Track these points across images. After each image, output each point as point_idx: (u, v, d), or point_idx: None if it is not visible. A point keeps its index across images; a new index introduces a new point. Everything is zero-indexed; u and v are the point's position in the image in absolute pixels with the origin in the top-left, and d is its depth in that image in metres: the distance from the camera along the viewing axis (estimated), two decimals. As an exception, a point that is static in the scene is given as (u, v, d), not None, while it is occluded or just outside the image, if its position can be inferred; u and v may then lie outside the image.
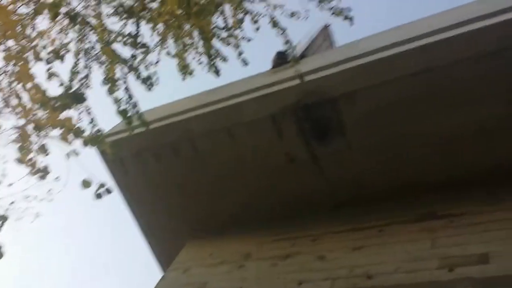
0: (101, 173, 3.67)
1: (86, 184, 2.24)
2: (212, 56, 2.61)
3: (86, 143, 2.13)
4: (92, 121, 3.17)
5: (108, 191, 2.26)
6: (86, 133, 2.33)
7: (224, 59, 3.08)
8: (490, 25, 2.49)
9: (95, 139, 2.13)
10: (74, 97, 2.13)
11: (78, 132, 2.23)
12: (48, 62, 2.34)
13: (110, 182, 3.73)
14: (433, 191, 2.79)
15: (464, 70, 2.57)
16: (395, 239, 2.70)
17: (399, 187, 2.93)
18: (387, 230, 2.80)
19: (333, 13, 2.73)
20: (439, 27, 2.65)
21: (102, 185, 2.25)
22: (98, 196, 2.27)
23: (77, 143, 2.30)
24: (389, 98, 2.75)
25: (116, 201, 3.78)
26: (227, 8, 2.97)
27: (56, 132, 2.26)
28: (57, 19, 2.79)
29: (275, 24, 2.66)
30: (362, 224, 2.96)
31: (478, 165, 2.75)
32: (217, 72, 2.62)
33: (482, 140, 2.69)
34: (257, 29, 2.94)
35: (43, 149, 2.39)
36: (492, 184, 2.67)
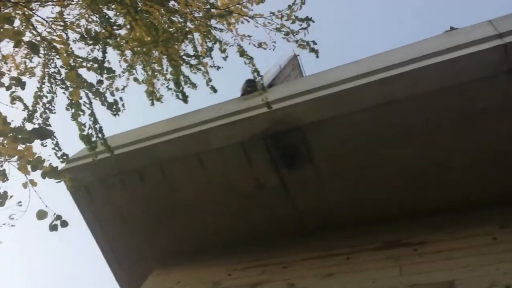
0: (66, 197, 3.58)
1: (41, 215, 2.16)
2: (180, 83, 2.60)
3: (45, 175, 2.06)
4: (56, 145, 3.11)
5: (64, 224, 2.18)
6: (47, 163, 2.24)
7: (193, 85, 3.09)
8: (446, 60, 2.60)
9: (54, 172, 2.05)
10: (39, 133, 2.06)
11: (38, 164, 2.15)
12: (8, 89, 2.28)
13: (74, 206, 3.63)
14: (398, 219, 2.85)
15: (421, 103, 2.67)
16: (363, 266, 2.72)
17: (365, 215, 2.98)
18: (354, 258, 2.82)
19: (299, 46, 2.79)
20: (398, 61, 2.76)
21: (58, 217, 2.17)
22: (53, 228, 2.19)
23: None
24: (354, 128, 2.82)
25: (81, 227, 3.68)
26: (196, 36, 2.99)
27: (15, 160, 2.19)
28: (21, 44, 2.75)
29: (242, 53, 2.69)
30: (331, 250, 2.97)
31: (438, 194, 2.84)
32: (185, 98, 2.61)
33: (441, 171, 2.79)
34: (226, 57, 2.96)
35: (2, 175, 2.31)
36: (452, 212, 2.76)
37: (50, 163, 2.18)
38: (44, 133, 2.28)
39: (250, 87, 3.27)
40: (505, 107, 2.57)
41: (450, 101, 2.63)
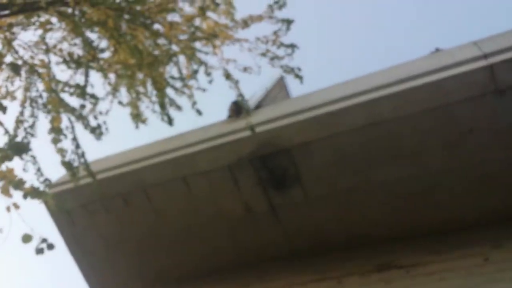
0: (48, 223, 3.47)
1: (26, 238, 2.11)
2: (165, 105, 2.57)
3: (26, 195, 2.01)
4: (38, 170, 3.03)
5: (50, 247, 2.13)
6: (28, 184, 2.19)
7: (179, 108, 3.05)
8: (432, 81, 2.62)
9: (36, 192, 2.00)
10: (17, 148, 2.01)
11: (19, 184, 2.11)
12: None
13: (56, 233, 3.52)
14: (388, 241, 2.82)
15: (408, 124, 2.68)
16: (355, 291, 2.67)
17: (355, 237, 2.94)
18: (345, 282, 2.77)
19: (284, 71, 2.79)
20: (385, 82, 2.77)
21: (44, 240, 2.13)
22: (39, 251, 2.14)
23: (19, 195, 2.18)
24: (342, 149, 2.80)
25: (63, 254, 3.56)
26: (182, 58, 2.97)
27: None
28: (2, 67, 2.70)
29: (228, 76, 2.68)
30: (321, 274, 2.92)
31: (428, 215, 2.82)
32: (170, 121, 2.58)
33: (429, 192, 2.78)
34: (211, 81, 2.94)
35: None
36: (442, 233, 2.74)
37: (32, 184, 2.15)
38: (21, 148, 2.24)
39: (238, 108, 3.24)
40: (493, 127, 2.58)
41: (437, 121, 2.63)
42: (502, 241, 2.55)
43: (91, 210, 3.34)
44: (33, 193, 2.15)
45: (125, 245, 3.43)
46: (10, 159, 2.15)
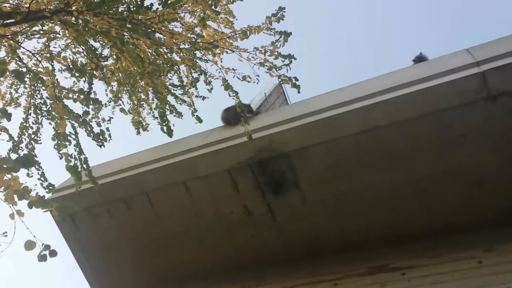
0: (52, 228, 3.53)
1: (29, 245, 2.14)
2: (165, 117, 2.63)
3: (31, 205, 2.05)
4: (42, 175, 3.10)
5: (53, 253, 2.16)
6: (34, 193, 2.23)
7: (179, 114, 3.11)
8: (425, 88, 2.68)
9: (41, 202, 2.05)
10: (23, 161, 2.06)
11: (25, 193, 2.15)
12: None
13: (59, 236, 3.58)
14: (384, 244, 2.86)
15: (402, 130, 2.73)
16: (351, 293, 2.72)
17: (351, 240, 2.99)
18: (342, 284, 2.82)
19: (281, 81, 2.85)
20: (379, 89, 2.83)
21: (47, 247, 2.16)
22: (43, 258, 2.17)
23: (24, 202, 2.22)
24: (338, 154, 2.86)
25: (66, 258, 3.62)
26: (182, 68, 3.04)
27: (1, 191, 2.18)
28: (6, 74, 2.76)
29: (227, 87, 2.74)
30: (318, 277, 2.96)
31: (423, 218, 2.88)
32: (170, 132, 2.63)
33: (424, 196, 2.83)
34: (211, 89, 3.01)
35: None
36: (437, 236, 2.79)
37: (37, 193, 2.18)
38: (28, 161, 2.27)
39: (233, 120, 3.30)
40: (485, 133, 2.63)
41: (430, 127, 2.68)
42: (495, 245, 2.59)
43: (94, 213, 3.40)
44: (38, 202, 2.18)
45: (127, 247, 3.49)
46: (16, 171, 2.18)
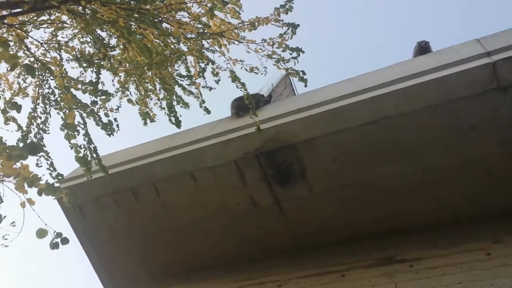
0: (61, 217, 3.56)
1: (41, 233, 2.16)
2: (173, 107, 2.62)
3: (41, 192, 2.06)
4: (51, 165, 3.11)
5: (65, 241, 2.18)
6: (43, 181, 2.25)
7: (186, 105, 3.11)
8: (435, 78, 2.65)
9: (51, 189, 2.06)
10: (30, 148, 2.07)
11: (34, 181, 2.16)
12: (3, 112, 2.29)
13: (68, 227, 3.61)
14: (391, 235, 2.85)
15: (411, 120, 2.71)
16: (358, 284, 2.72)
17: (358, 231, 2.99)
18: (349, 275, 2.82)
19: (289, 74, 2.83)
20: (388, 79, 2.80)
21: (58, 234, 2.17)
22: (55, 245, 2.18)
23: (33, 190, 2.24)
24: (346, 145, 2.85)
25: (74, 247, 3.65)
26: (190, 58, 3.02)
27: (11, 179, 2.19)
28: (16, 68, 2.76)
29: (235, 78, 2.72)
30: (325, 268, 2.97)
31: (431, 210, 2.86)
32: (178, 123, 2.62)
33: (432, 187, 2.81)
34: (218, 81, 2.99)
35: (-2, 196, 2.31)
36: (445, 228, 2.78)
37: (47, 180, 2.19)
38: (35, 148, 2.28)
39: (242, 111, 3.30)
40: (495, 123, 2.61)
41: (439, 118, 2.66)
42: (504, 237, 2.58)
43: (102, 203, 3.42)
44: (48, 189, 2.19)
45: (134, 237, 3.51)
46: (24, 158, 2.19)
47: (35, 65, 2.62)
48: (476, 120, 2.62)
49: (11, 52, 2.11)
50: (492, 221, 2.67)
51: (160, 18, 2.62)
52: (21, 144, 3.03)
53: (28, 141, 3.02)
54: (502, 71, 2.53)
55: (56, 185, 2.25)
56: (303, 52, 2.84)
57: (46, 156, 3.02)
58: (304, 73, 2.79)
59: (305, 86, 2.77)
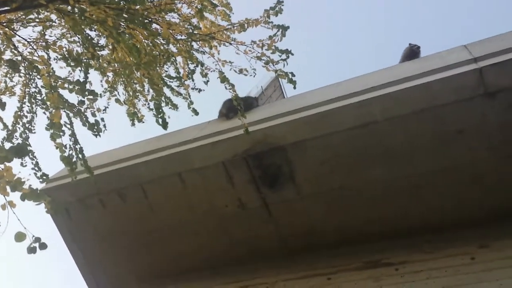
0: (45, 216, 3.51)
1: (19, 237, 2.12)
2: (161, 109, 2.61)
3: (24, 197, 2.02)
4: (36, 165, 3.07)
5: (43, 246, 2.14)
6: (27, 185, 2.19)
7: (175, 106, 3.10)
8: (422, 84, 2.67)
9: (34, 194, 2.02)
10: (16, 150, 2.03)
11: (18, 185, 2.11)
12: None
13: (53, 227, 3.56)
14: (378, 239, 2.87)
15: (398, 125, 2.73)
16: (344, 287, 2.73)
17: (345, 234, 2.99)
18: (335, 278, 2.83)
19: (278, 75, 2.83)
20: (376, 84, 2.82)
21: (37, 239, 2.13)
22: (32, 250, 2.14)
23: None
24: (334, 148, 2.85)
25: (59, 249, 3.61)
26: (179, 59, 3.02)
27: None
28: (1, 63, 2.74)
29: (224, 79, 2.72)
30: (312, 271, 2.97)
31: (417, 214, 2.88)
32: (165, 125, 2.61)
33: (419, 192, 2.83)
34: (207, 82, 2.99)
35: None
36: (431, 232, 2.80)
37: (30, 185, 2.15)
38: (21, 150, 2.24)
39: (232, 112, 3.30)
40: (482, 129, 2.63)
41: (426, 123, 2.68)
42: (489, 241, 2.61)
43: (88, 204, 3.39)
44: (31, 195, 2.15)
45: (121, 239, 3.48)
46: (9, 160, 2.15)
47: (22, 64, 2.59)
48: (463, 126, 2.65)
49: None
50: (478, 226, 2.69)
51: (149, 19, 2.60)
52: (6, 144, 3.00)
53: (14, 140, 2.99)
54: (489, 77, 2.56)
55: (41, 187, 2.22)
56: (292, 54, 2.85)
57: (31, 156, 2.98)
58: (293, 75, 2.80)
59: (294, 88, 2.78)
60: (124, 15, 2.54)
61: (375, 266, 2.76)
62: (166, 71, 3.04)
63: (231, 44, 2.82)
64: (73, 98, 2.74)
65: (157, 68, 2.84)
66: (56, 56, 3.00)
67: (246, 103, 3.14)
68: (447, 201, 2.81)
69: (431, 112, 2.66)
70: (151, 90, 2.99)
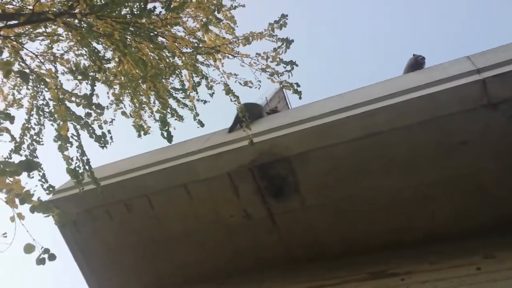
0: (51, 228, 3.53)
1: (29, 248, 2.14)
2: (166, 122, 2.64)
3: (33, 209, 2.05)
4: (43, 176, 3.10)
5: (52, 257, 2.16)
6: (35, 197, 2.21)
7: (180, 118, 3.13)
8: (426, 94, 2.69)
9: (43, 207, 2.04)
10: (26, 166, 2.06)
11: (27, 198, 2.13)
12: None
13: (59, 238, 3.58)
14: (383, 250, 2.87)
15: (402, 135, 2.74)
16: (350, 298, 2.73)
17: (350, 245, 2.99)
18: (341, 289, 2.82)
19: (283, 87, 2.86)
20: (380, 95, 2.84)
21: (46, 250, 2.15)
22: (41, 261, 2.16)
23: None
24: (339, 159, 2.87)
25: (67, 260, 3.62)
26: (184, 71, 3.05)
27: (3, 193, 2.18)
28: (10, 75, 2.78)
29: (229, 91, 2.75)
30: (317, 282, 2.96)
31: (422, 224, 2.88)
32: (169, 138, 2.64)
33: (424, 202, 2.84)
34: (212, 94, 3.02)
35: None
36: (436, 243, 2.79)
37: (39, 197, 2.17)
38: (31, 165, 2.26)
39: (239, 124, 3.31)
40: (486, 139, 2.64)
41: (430, 133, 2.70)
42: (494, 252, 2.59)
43: (94, 215, 3.41)
44: (40, 207, 2.17)
45: (127, 249, 3.49)
46: (18, 174, 2.17)
47: (30, 77, 2.63)
48: (467, 136, 2.66)
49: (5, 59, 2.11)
50: (484, 236, 2.68)
51: (155, 32, 2.64)
52: (14, 155, 3.04)
53: (22, 152, 3.02)
54: (492, 88, 2.58)
55: (47, 198, 2.24)
56: (296, 65, 2.87)
57: (38, 168, 3.01)
58: (298, 85, 2.83)
59: (300, 98, 2.80)
60: (130, 28, 2.58)
61: (381, 277, 2.75)
62: (172, 83, 3.08)
63: (235, 57, 2.85)
64: (80, 110, 2.78)
65: (163, 80, 2.87)
66: (63, 70, 3.04)
67: (257, 110, 3.10)
68: (452, 211, 2.81)
69: (435, 123, 2.67)
70: (157, 102, 3.02)
